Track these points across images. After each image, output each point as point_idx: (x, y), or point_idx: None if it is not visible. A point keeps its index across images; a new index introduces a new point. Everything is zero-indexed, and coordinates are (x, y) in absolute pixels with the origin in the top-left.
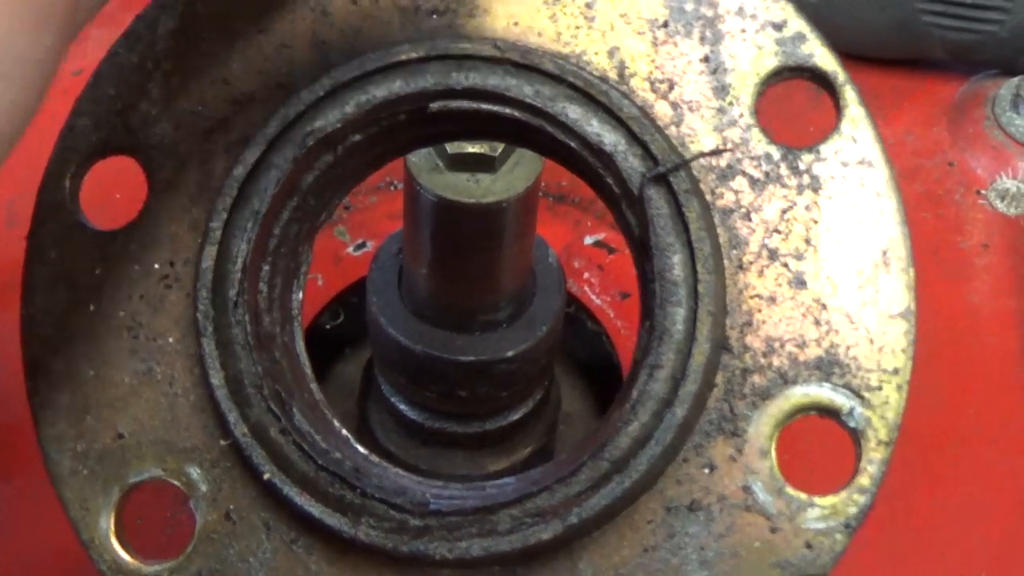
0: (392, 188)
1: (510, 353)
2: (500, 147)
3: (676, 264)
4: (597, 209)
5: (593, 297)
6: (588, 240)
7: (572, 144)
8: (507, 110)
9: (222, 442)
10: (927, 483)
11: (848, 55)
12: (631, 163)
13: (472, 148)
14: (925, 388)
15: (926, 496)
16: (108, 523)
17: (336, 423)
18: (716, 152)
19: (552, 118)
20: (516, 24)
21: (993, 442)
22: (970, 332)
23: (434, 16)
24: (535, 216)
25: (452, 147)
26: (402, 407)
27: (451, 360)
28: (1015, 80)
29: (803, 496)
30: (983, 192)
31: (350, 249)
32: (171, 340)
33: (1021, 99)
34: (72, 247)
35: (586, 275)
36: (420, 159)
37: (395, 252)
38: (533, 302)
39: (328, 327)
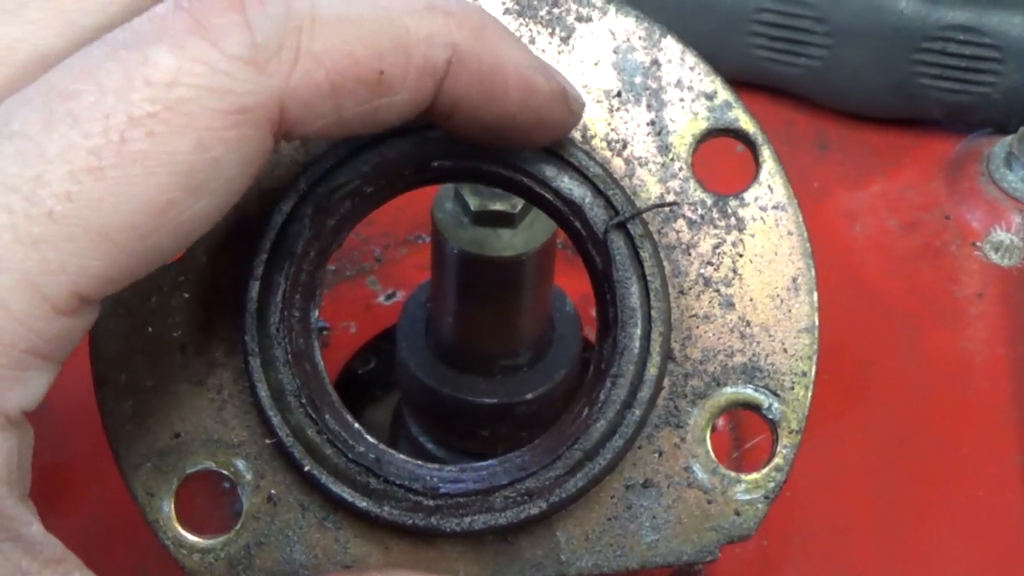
0: (420, 241)
1: (529, 396)
2: (520, 204)
3: (633, 293)
4: None
5: None
6: None
7: (547, 195)
8: (494, 167)
9: (267, 441)
10: (919, 529)
11: (850, 115)
12: (596, 212)
13: (494, 206)
14: (919, 433)
15: (918, 542)
16: (170, 507)
17: (349, 417)
18: (664, 204)
19: (532, 175)
20: None
21: (985, 489)
22: (964, 378)
23: None
24: (553, 268)
25: (475, 204)
26: (429, 446)
27: (474, 402)
28: (1008, 138)
29: (732, 474)
30: (978, 244)
31: (381, 299)
32: (218, 355)
33: (1014, 156)
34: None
35: None
36: (446, 216)
37: (423, 301)
38: (552, 348)
39: (360, 372)
